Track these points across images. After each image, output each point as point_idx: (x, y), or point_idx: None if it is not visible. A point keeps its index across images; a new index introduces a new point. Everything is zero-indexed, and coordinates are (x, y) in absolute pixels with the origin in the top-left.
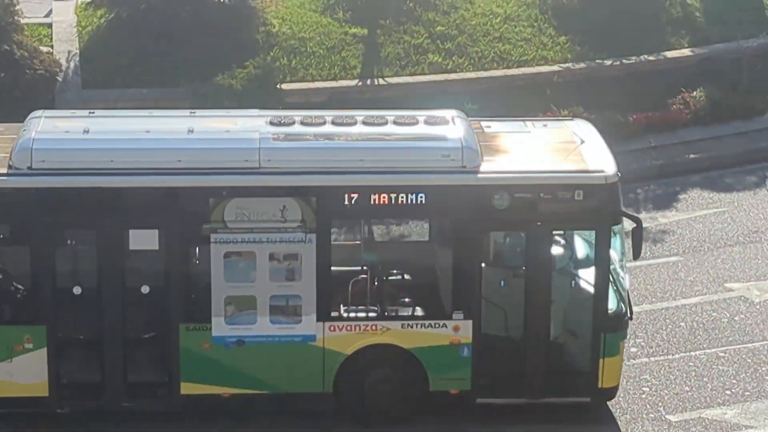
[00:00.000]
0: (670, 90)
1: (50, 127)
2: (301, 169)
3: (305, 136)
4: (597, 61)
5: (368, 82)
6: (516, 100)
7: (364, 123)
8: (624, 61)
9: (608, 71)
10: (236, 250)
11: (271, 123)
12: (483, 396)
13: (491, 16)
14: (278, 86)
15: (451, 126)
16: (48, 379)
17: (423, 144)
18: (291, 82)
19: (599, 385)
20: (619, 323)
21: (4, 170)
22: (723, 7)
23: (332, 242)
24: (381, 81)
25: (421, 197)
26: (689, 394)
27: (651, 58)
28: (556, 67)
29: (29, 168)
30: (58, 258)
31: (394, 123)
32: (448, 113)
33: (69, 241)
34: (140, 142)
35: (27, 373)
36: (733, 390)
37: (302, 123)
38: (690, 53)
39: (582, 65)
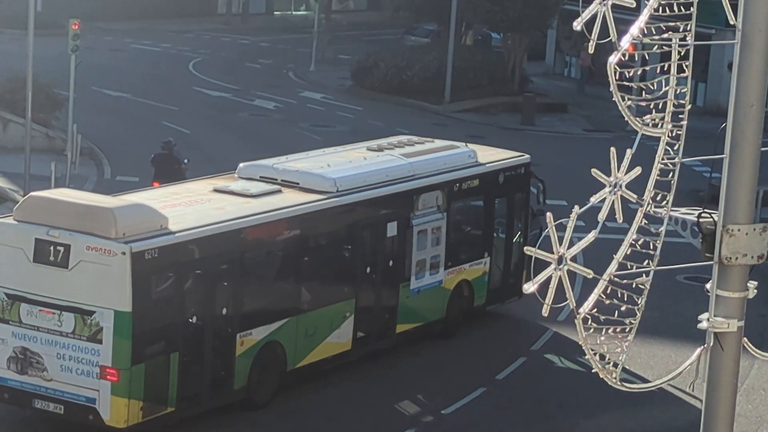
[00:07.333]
0: None
1: (309, 166)
2: (429, 173)
3: (411, 154)
4: None
5: None
6: None
7: (409, 144)
8: None
9: None
10: (421, 228)
11: (371, 150)
12: (488, 305)
13: None
14: None
15: (443, 141)
16: (352, 337)
17: (458, 152)
18: None
19: (522, 288)
20: None
21: (318, 196)
22: None
23: (449, 217)
24: None
25: (476, 182)
26: None
27: None
28: None
29: (337, 191)
30: (360, 249)
31: (417, 143)
32: (410, 137)
33: (362, 236)
34: (367, 167)
35: (343, 334)
36: None
37: (394, 146)
38: None
39: None
